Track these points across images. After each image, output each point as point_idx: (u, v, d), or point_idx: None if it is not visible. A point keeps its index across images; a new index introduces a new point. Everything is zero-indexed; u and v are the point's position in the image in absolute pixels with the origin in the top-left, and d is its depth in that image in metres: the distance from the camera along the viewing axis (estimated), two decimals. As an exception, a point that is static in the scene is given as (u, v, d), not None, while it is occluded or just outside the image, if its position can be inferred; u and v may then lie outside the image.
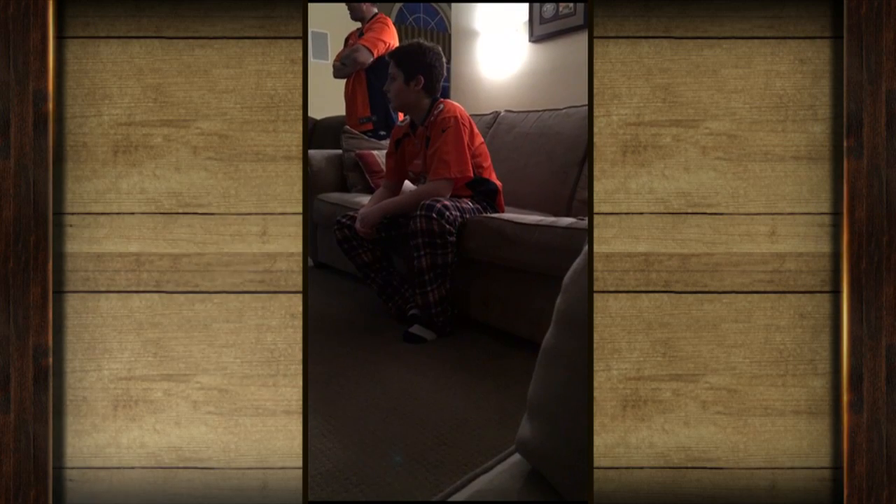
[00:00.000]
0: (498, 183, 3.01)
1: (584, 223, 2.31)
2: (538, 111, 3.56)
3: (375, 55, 4.18)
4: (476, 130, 3.00)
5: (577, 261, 0.83)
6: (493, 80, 4.79)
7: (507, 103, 4.35)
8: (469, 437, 1.85)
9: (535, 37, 4.33)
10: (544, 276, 2.37)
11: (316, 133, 4.75)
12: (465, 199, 2.86)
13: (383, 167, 3.95)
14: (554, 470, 0.79)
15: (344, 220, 3.03)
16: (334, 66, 4.35)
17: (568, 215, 3.03)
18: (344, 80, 4.43)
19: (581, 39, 3.99)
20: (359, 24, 4.37)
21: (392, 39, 4.24)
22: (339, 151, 4.18)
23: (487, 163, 3.01)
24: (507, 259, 2.54)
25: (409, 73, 2.94)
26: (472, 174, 2.88)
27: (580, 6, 3.96)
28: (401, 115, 4.12)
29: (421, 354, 2.58)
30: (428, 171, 2.93)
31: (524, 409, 0.85)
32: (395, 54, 3.03)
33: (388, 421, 1.96)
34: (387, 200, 2.99)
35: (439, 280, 2.70)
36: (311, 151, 4.17)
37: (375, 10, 4.32)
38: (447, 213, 2.63)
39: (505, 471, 0.89)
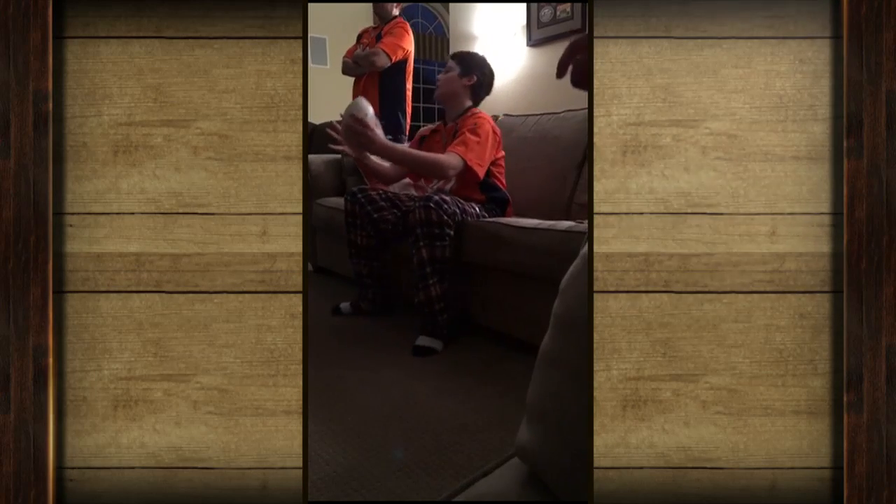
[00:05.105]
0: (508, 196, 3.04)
1: (583, 226, 2.31)
2: (536, 115, 3.56)
3: (393, 61, 4.18)
4: (501, 145, 3.09)
5: (575, 264, 0.83)
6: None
7: (506, 107, 4.36)
8: (469, 441, 1.85)
9: (533, 41, 4.34)
10: (543, 279, 2.36)
11: (315, 137, 4.75)
12: (474, 203, 2.87)
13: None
14: (552, 473, 0.79)
15: (359, 194, 3.09)
16: (345, 61, 4.33)
17: (567, 218, 3.02)
18: (347, 85, 4.42)
19: (579, 43, 3.98)
20: (367, 24, 4.36)
21: (410, 46, 4.23)
22: (339, 156, 4.18)
23: (503, 177, 3.07)
24: (506, 262, 2.54)
25: (466, 69, 3.11)
26: (482, 175, 2.91)
27: (577, 10, 3.96)
28: (408, 120, 4.16)
29: (420, 358, 2.57)
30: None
31: (524, 412, 0.85)
32: (459, 54, 3.23)
33: (388, 425, 1.96)
34: (404, 148, 3.11)
35: (439, 275, 2.68)
36: (309, 156, 4.17)
37: (396, 13, 4.31)
38: (445, 205, 2.64)
39: (504, 474, 0.88)
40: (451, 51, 5.15)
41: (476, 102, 3.15)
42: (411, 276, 2.76)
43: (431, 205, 2.62)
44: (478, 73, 3.11)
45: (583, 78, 1.00)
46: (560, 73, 0.90)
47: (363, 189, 3.12)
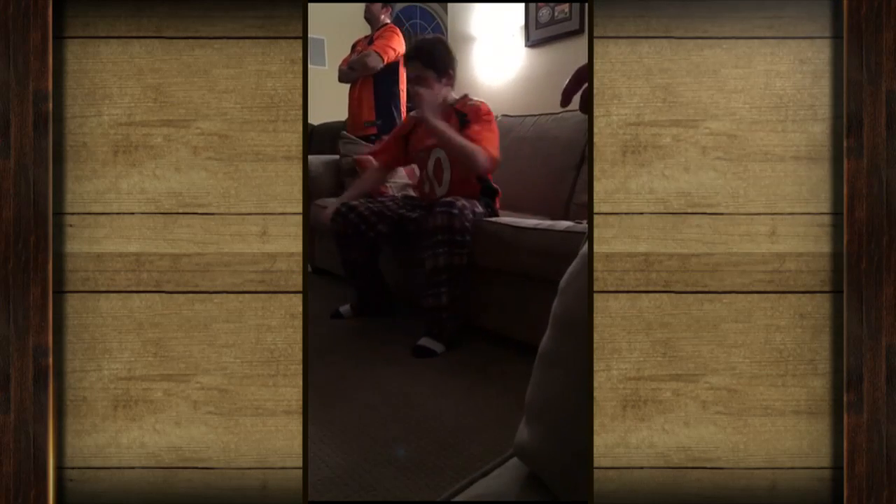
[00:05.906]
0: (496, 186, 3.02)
1: (582, 226, 2.31)
2: (535, 115, 3.56)
3: (385, 62, 4.24)
4: None
5: (574, 264, 0.83)
6: (490, 85, 4.80)
7: (505, 108, 4.36)
8: (468, 441, 1.85)
9: (532, 41, 4.34)
10: (542, 279, 2.37)
11: (314, 138, 4.76)
12: (475, 201, 2.81)
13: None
14: (551, 473, 0.79)
15: (350, 214, 2.94)
16: (340, 69, 4.41)
17: (565, 219, 3.03)
18: (344, 86, 4.47)
19: (577, 43, 3.99)
20: (365, 30, 4.43)
21: (401, 48, 4.30)
22: (337, 157, 4.19)
23: None
24: (505, 263, 2.53)
25: (441, 70, 2.91)
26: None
27: (576, 10, 3.96)
28: (404, 117, 4.16)
29: (419, 360, 2.57)
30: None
31: (523, 413, 0.85)
32: (421, 54, 2.93)
33: (388, 427, 1.96)
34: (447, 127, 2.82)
35: (453, 283, 2.62)
36: (309, 156, 4.18)
37: (386, 20, 4.38)
38: (466, 211, 2.59)
39: (503, 474, 0.88)
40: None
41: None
42: (418, 279, 2.72)
43: (455, 211, 2.55)
44: (451, 66, 2.93)
45: None
46: (564, 102, 0.87)
47: (351, 206, 2.96)
